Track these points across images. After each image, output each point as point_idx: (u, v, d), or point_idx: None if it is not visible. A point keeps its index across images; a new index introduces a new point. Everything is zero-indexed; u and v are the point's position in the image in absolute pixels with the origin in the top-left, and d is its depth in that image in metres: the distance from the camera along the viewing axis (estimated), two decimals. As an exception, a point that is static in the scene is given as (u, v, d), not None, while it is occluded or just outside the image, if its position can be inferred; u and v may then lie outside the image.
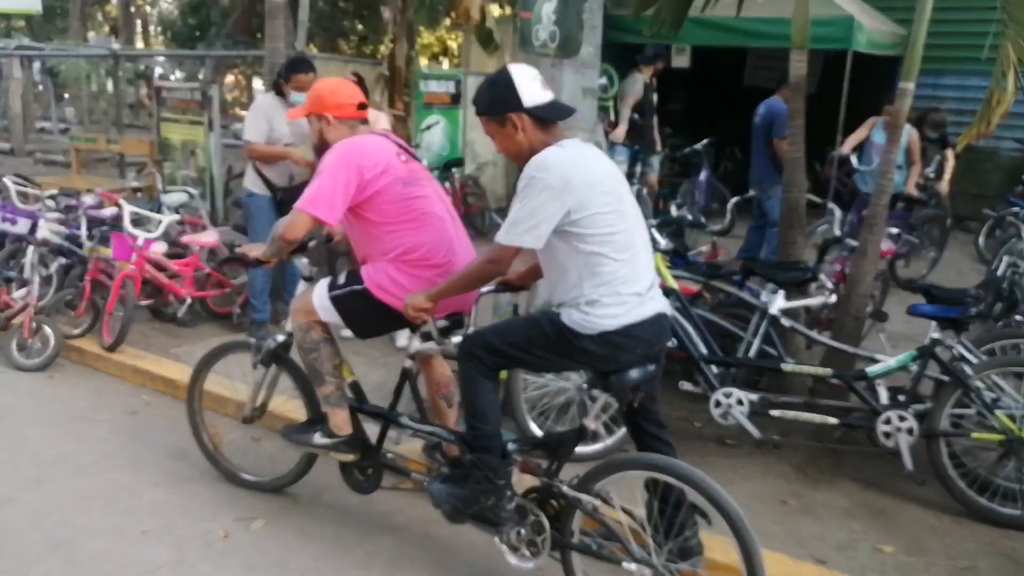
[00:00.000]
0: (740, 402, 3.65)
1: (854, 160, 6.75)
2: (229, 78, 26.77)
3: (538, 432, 3.70)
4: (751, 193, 6.70)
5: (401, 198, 2.96)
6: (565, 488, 2.62)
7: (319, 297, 3.04)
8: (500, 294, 3.12)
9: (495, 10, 10.45)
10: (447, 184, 8.73)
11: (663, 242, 4.04)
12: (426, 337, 3.02)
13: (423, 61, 21.52)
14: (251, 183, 5.15)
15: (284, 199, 5.13)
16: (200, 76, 20.61)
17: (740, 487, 3.52)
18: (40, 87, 17.75)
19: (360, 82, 5.01)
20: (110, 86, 10.95)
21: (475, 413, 2.69)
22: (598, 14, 4.23)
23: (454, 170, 8.83)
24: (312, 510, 3.46)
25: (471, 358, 2.65)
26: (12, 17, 18.67)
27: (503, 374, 3.74)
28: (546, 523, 2.65)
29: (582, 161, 2.52)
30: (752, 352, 3.84)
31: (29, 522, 3.27)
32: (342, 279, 3.06)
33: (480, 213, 8.93)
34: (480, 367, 2.64)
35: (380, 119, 5.07)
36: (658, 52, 7.70)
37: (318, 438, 3.16)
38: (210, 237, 5.47)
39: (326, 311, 3.03)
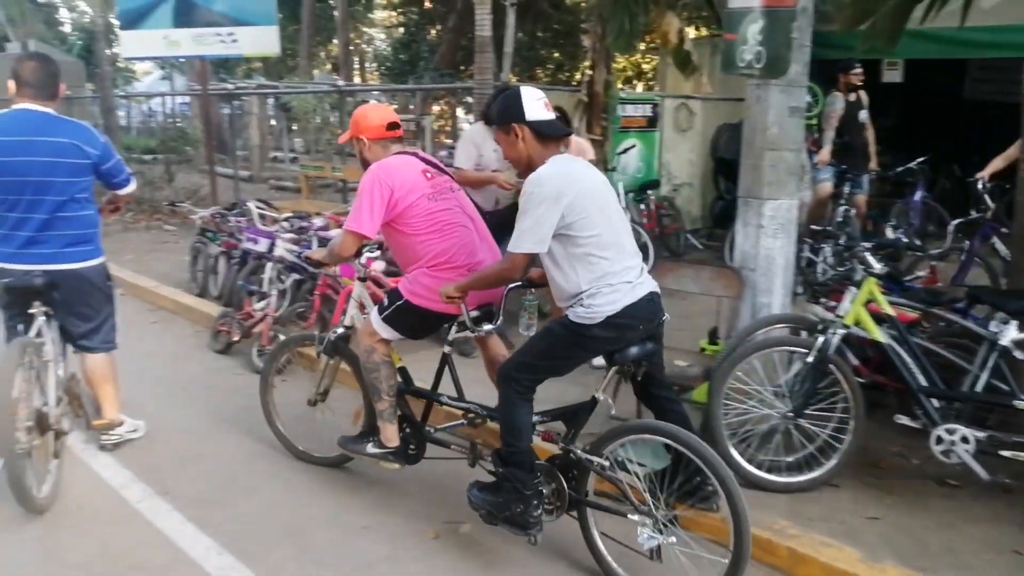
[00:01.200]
0: (965, 440, 3.38)
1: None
2: (435, 108, 28.44)
3: (742, 462, 3.63)
4: (974, 215, 6.19)
5: (427, 212, 3.39)
6: (580, 453, 2.98)
7: (375, 319, 3.54)
8: (526, 289, 3.37)
9: (691, 32, 10.38)
10: (643, 206, 8.77)
11: (877, 266, 3.84)
12: (461, 327, 3.42)
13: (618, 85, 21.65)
14: (461, 207, 5.48)
15: (491, 222, 5.40)
16: (410, 107, 22.15)
17: (965, 531, 3.27)
18: (273, 121, 19.83)
19: (562, 115, 5.20)
20: (333, 118, 12.01)
21: (511, 431, 3.02)
22: (807, 32, 4.12)
23: (649, 192, 8.84)
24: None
25: (508, 380, 3.00)
26: (251, 60, 21.02)
27: (700, 396, 3.75)
28: (564, 485, 3.03)
29: (570, 174, 2.89)
30: (979, 386, 3.55)
31: (268, 510, 3.67)
32: (386, 300, 3.56)
33: (675, 234, 8.88)
34: (518, 387, 2.98)
35: (586, 149, 5.23)
36: (848, 64, 7.37)
37: (370, 448, 3.66)
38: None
39: (383, 328, 3.51)
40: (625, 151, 8.75)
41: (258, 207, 6.65)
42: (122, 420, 4.23)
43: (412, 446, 3.64)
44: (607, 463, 2.94)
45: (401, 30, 32.81)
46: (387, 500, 3.77)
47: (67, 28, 34.18)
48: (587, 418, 3.07)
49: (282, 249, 6.20)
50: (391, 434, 3.58)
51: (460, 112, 24.00)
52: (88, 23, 35.32)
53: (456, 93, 23.35)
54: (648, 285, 2.98)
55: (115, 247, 8.09)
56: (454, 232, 3.45)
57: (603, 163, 6.94)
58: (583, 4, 23.01)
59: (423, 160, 3.63)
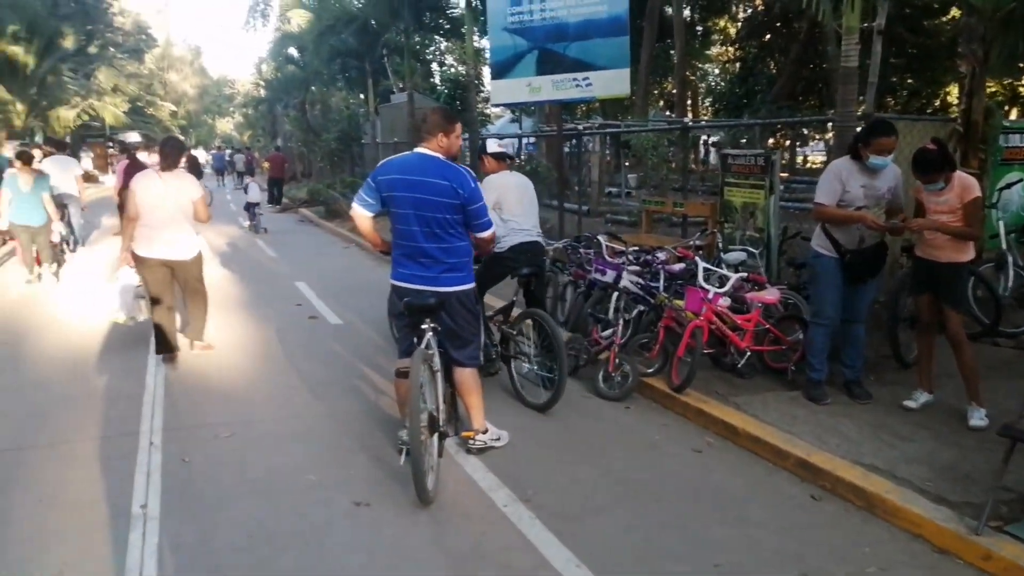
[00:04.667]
0: None
1: None
2: (770, 141, 27.54)
3: None
4: None
5: None
6: (507, 328, 5.63)
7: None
8: None
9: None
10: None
11: None
12: None
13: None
14: (819, 244, 5.23)
15: (853, 261, 5.09)
16: (743, 141, 21.73)
17: None
18: (608, 157, 20.72)
19: (942, 147, 4.73)
20: (672, 154, 12.22)
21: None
22: None
23: (1039, 233, 7.67)
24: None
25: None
26: (594, 101, 22.13)
27: None
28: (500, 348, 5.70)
29: (504, 178, 5.74)
30: None
31: (622, 532, 3.77)
32: None
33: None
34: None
35: (969, 187, 4.70)
36: None
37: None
38: (771, 295, 5.68)
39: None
40: (1008, 186, 7.70)
41: (606, 240, 6.96)
42: (487, 427, 4.67)
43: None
44: (514, 332, 5.62)
45: (738, 65, 32.48)
46: (734, 539, 3.68)
47: (436, 79, 38.73)
48: (511, 310, 5.87)
49: (627, 281, 6.42)
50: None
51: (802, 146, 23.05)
52: (453, 75, 39.98)
53: (794, 127, 22.38)
54: (536, 238, 5.81)
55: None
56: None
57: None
58: (948, 26, 20.86)
59: None
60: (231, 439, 4.87)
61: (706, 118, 32.19)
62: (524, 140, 23.53)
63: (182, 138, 6.77)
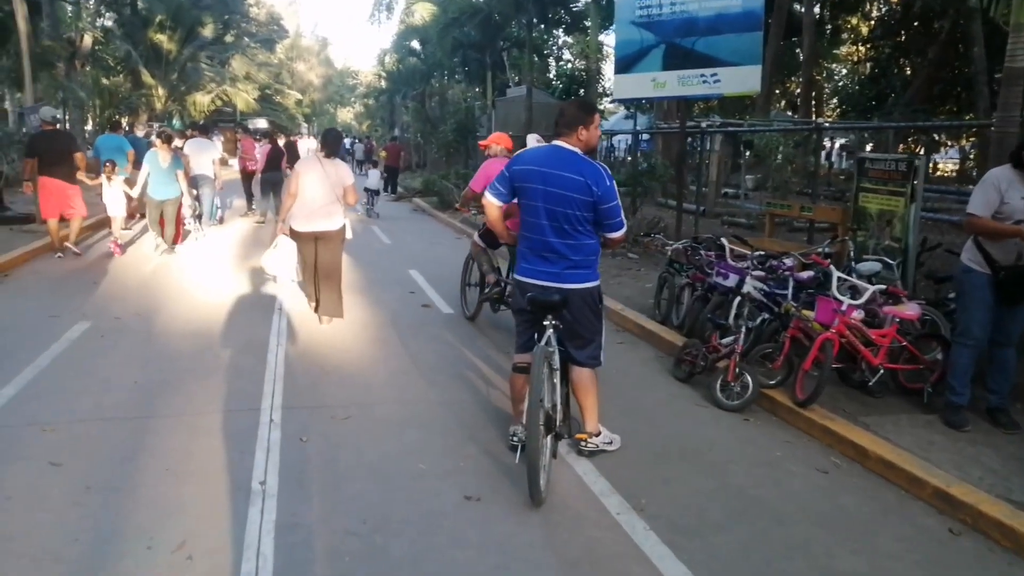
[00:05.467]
0: None
1: None
2: (899, 147, 26.04)
3: None
4: None
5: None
6: None
7: None
8: None
9: None
10: None
11: None
12: None
13: None
14: (970, 258, 4.84)
15: (1008, 279, 4.68)
16: (868, 147, 20.66)
17: None
18: (725, 157, 20.08)
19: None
20: (800, 156, 11.71)
21: None
22: None
23: None
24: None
25: None
26: (711, 99, 21.50)
27: None
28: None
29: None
30: None
31: (740, 551, 3.58)
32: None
33: None
34: None
35: None
36: None
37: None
38: (911, 310, 5.30)
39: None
40: None
41: (730, 243, 6.69)
42: (600, 430, 4.54)
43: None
44: None
45: (869, 65, 30.87)
46: (877, 572, 3.43)
47: (551, 74, 38.72)
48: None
49: (751, 286, 6.15)
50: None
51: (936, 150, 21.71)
52: (568, 70, 39.83)
53: (927, 131, 21.05)
54: None
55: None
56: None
57: None
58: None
59: None
60: (347, 421, 4.94)
61: (829, 120, 30.78)
62: (640, 137, 23.16)
63: (335, 131, 7.55)
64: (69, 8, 29.05)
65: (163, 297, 8.33)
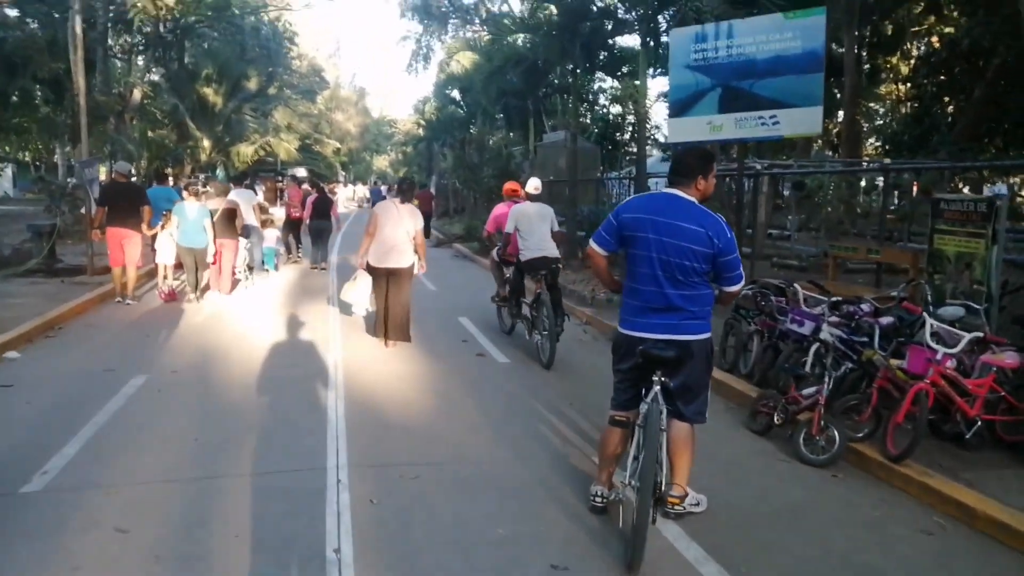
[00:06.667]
0: None
1: None
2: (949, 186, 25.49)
3: None
4: None
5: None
6: (533, 312, 8.38)
7: None
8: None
9: None
10: None
11: None
12: None
13: None
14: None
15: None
16: (914, 185, 20.25)
17: None
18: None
19: None
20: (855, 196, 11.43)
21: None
22: None
23: None
24: None
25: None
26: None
27: None
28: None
29: (527, 207, 8.29)
30: None
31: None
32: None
33: None
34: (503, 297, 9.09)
35: None
36: None
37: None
38: (1011, 358, 4.99)
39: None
40: None
41: (804, 288, 6.43)
42: (687, 491, 4.28)
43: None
44: (536, 313, 8.19)
45: (911, 104, 30.45)
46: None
47: (587, 119, 38.84)
48: (538, 299, 8.01)
49: (828, 334, 5.88)
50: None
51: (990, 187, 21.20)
52: (604, 115, 39.99)
53: (980, 171, 20.52)
54: (547, 251, 8.13)
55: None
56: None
57: None
58: None
59: None
60: (417, 481, 4.74)
61: (866, 159, 30.36)
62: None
63: (410, 180, 8.91)
64: (119, 64, 29.98)
65: (217, 348, 8.26)
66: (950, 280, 6.89)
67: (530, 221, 8.19)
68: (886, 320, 5.94)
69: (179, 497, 4.45)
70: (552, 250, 8.19)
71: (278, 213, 15.58)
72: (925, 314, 5.19)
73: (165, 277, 11.46)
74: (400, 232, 8.04)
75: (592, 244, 4.20)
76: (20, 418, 5.81)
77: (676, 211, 3.90)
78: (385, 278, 8.12)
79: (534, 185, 8.65)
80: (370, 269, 8.19)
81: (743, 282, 4.09)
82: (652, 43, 14.62)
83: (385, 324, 8.25)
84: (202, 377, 7.10)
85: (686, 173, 3.98)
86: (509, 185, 9.46)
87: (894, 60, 31.72)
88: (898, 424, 4.96)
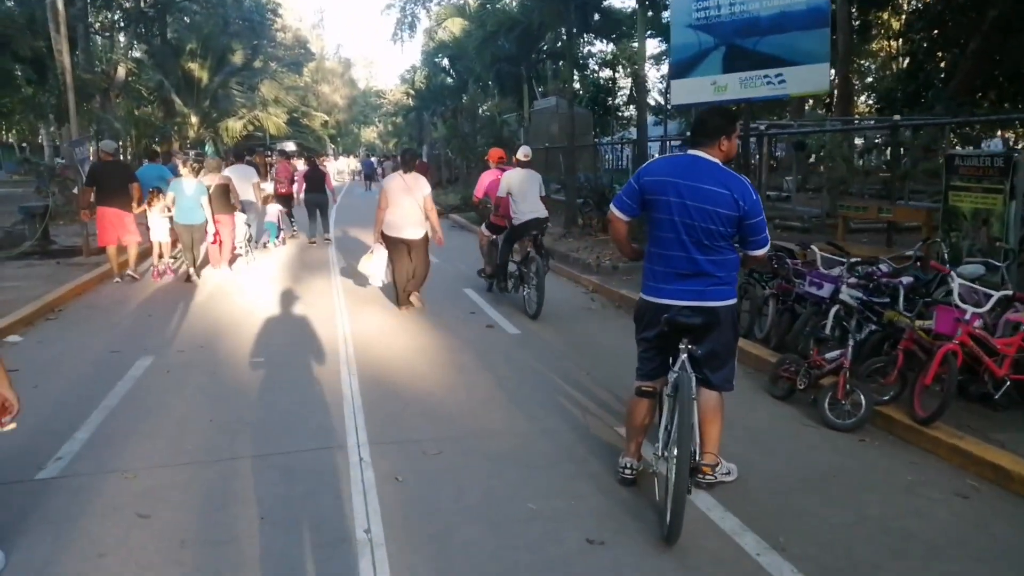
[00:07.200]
0: None
1: None
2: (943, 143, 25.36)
3: None
4: None
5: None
6: (523, 268, 8.92)
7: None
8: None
9: None
10: None
11: None
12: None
13: None
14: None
15: None
16: (908, 146, 20.09)
17: None
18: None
19: None
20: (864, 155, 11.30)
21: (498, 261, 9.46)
22: None
23: None
24: None
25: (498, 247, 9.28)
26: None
27: None
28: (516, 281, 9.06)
29: (517, 173, 8.78)
30: None
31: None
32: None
33: None
34: (501, 251, 9.30)
35: None
36: None
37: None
38: (1040, 317, 4.91)
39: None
40: None
41: (822, 250, 6.33)
42: (719, 460, 4.20)
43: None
44: (525, 269, 8.76)
45: (903, 60, 30.17)
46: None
47: (576, 85, 38.49)
48: (528, 257, 8.60)
49: (847, 295, 5.80)
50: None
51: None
52: (594, 80, 39.56)
53: (974, 126, 20.38)
54: (537, 213, 8.66)
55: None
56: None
57: None
58: None
59: None
60: (440, 457, 4.65)
61: (859, 116, 30.15)
62: (669, 143, 22.82)
63: (413, 151, 9.29)
64: (100, 41, 29.41)
65: (222, 326, 8.13)
66: (967, 237, 6.80)
67: (522, 185, 8.68)
68: (907, 280, 5.85)
69: (198, 480, 4.35)
70: (542, 211, 8.76)
71: (267, 188, 15.35)
72: (952, 273, 5.08)
73: (161, 255, 11.31)
74: (410, 202, 8.38)
75: (612, 209, 4.07)
76: (28, 403, 5.61)
77: (699, 173, 3.77)
78: (404, 247, 8.46)
79: (524, 152, 9.17)
80: (387, 241, 8.50)
81: (768, 245, 3.98)
82: (648, 4, 14.34)
83: (406, 291, 8.67)
84: (210, 356, 6.98)
85: (709, 133, 3.84)
86: (495, 152, 10.14)
87: (885, 16, 31.36)
88: (926, 386, 4.89)
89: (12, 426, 3.21)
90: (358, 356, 6.91)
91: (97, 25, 28.99)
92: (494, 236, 9.42)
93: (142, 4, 27.45)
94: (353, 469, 4.45)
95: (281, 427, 5.17)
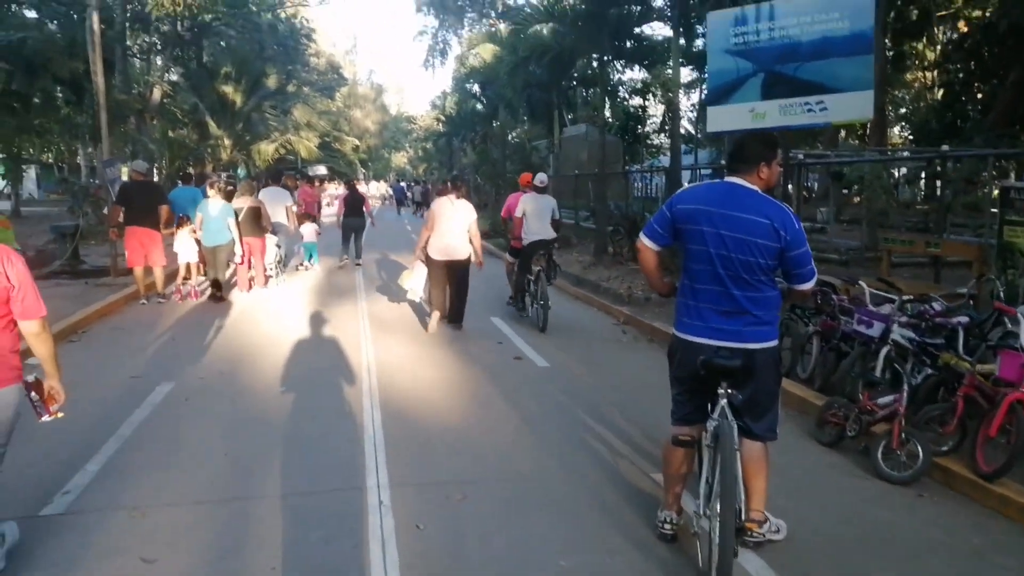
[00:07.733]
0: None
1: None
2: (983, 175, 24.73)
3: None
4: None
5: None
6: (534, 287, 9.68)
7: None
8: None
9: None
10: None
11: None
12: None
13: None
14: None
15: None
16: (949, 174, 19.60)
17: None
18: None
19: None
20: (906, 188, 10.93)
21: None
22: None
23: None
24: None
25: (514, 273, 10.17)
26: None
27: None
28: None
29: (531, 197, 9.69)
30: None
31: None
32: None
33: None
34: (518, 271, 10.15)
35: None
36: None
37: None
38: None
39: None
40: None
41: (871, 286, 6.00)
42: (766, 516, 3.87)
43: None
44: (534, 289, 9.48)
45: (939, 91, 29.63)
46: None
47: (607, 112, 38.32)
48: (538, 276, 9.30)
49: (899, 335, 5.45)
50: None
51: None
52: (625, 107, 39.41)
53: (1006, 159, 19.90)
54: (545, 237, 9.47)
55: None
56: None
57: None
58: None
59: None
60: (464, 503, 4.36)
61: (892, 147, 29.63)
62: (700, 172, 22.53)
63: (462, 177, 9.93)
64: (138, 64, 29.85)
65: (245, 351, 7.95)
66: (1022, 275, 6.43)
67: (537, 208, 9.48)
68: (963, 319, 5.49)
69: (209, 521, 4.11)
70: (550, 233, 9.55)
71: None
72: (1019, 314, 4.73)
73: (187, 277, 11.22)
74: (456, 226, 8.76)
75: (642, 238, 3.79)
76: (42, 430, 5.46)
77: (736, 202, 3.49)
78: (445, 270, 8.82)
79: (540, 180, 9.94)
80: (429, 262, 8.91)
81: (815, 278, 3.68)
82: (683, 30, 14.14)
83: (448, 307, 9.09)
84: (230, 383, 6.78)
85: (747, 159, 3.57)
86: (526, 176, 10.56)
87: (920, 46, 30.89)
88: (990, 438, 4.52)
89: (60, 415, 3.72)
90: (382, 387, 6.67)
91: (135, 48, 29.45)
92: (515, 260, 9.99)
93: (179, 28, 27.85)
94: (372, 514, 4.18)
95: (299, 464, 4.92)
